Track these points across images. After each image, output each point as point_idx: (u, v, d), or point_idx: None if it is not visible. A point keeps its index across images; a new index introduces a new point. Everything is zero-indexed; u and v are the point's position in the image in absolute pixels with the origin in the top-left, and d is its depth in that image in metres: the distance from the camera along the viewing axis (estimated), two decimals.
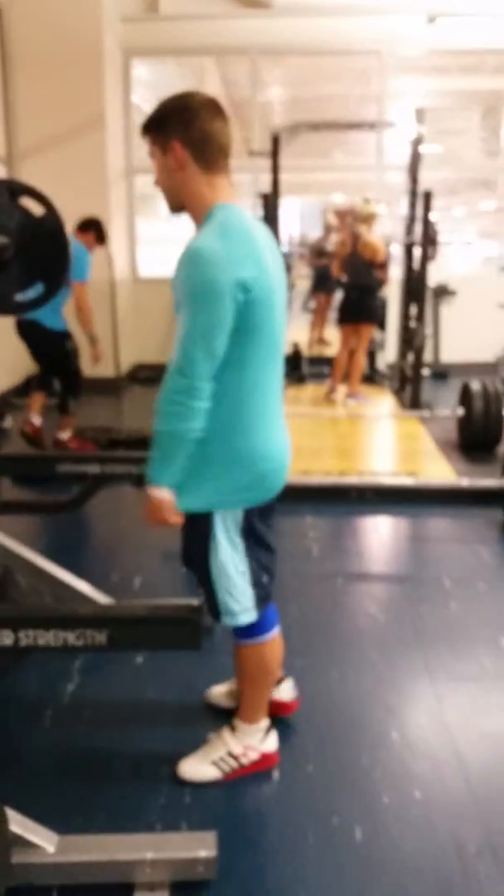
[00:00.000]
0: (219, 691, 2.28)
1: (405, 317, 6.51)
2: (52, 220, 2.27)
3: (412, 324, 6.16)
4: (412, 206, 6.37)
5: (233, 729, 2.01)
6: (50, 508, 2.78)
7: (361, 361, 6.32)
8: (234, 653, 1.99)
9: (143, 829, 1.78)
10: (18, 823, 1.60)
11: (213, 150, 1.68)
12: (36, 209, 2.30)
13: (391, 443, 5.21)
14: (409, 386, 6.13)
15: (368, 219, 6.21)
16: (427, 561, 3.44)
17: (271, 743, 2.02)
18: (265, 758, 2.00)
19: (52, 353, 4.71)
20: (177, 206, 1.74)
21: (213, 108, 1.69)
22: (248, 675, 1.97)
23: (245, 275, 1.58)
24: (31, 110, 6.84)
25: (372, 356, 7.32)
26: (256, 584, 1.84)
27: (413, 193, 6.37)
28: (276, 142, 6.24)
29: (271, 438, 1.77)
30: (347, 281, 6.32)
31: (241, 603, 1.83)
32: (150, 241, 9.72)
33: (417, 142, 6.42)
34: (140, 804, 1.87)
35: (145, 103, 8.20)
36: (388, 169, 7.78)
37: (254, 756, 1.99)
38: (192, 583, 3.12)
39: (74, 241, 4.56)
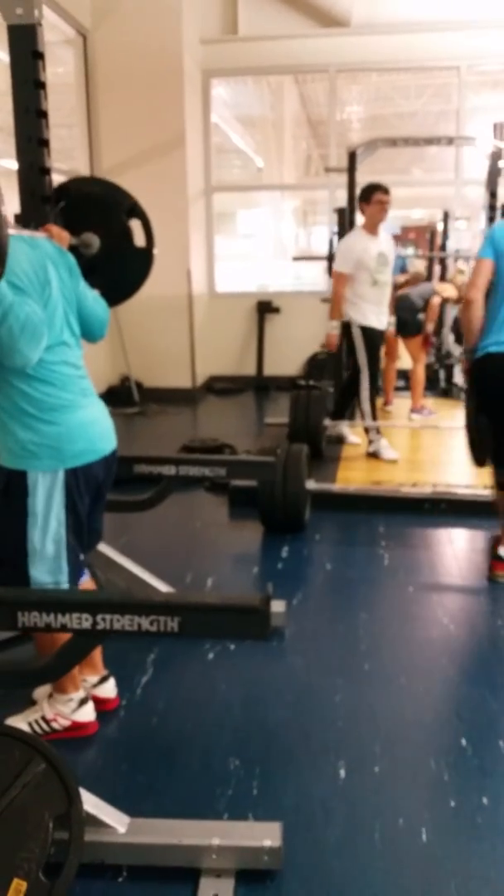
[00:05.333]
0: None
1: None
2: (146, 251, 2.35)
3: None
4: (490, 220, 6.31)
5: (50, 696, 2.15)
6: (125, 507, 2.87)
7: (419, 375, 6.33)
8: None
9: (211, 818, 1.81)
10: (92, 804, 1.66)
11: None
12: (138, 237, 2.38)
13: (467, 456, 5.12)
14: None
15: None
16: None
17: (85, 713, 2.15)
18: (76, 725, 2.14)
19: None
20: None
21: None
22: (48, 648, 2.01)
23: None
24: (114, 131, 7.09)
25: (449, 370, 7.26)
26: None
27: (491, 208, 6.31)
28: (352, 158, 6.27)
29: None
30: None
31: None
32: (226, 258, 9.92)
33: (496, 156, 6.37)
34: (208, 794, 1.91)
35: (224, 122, 8.37)
36: (467, 184, 7.72)
37: (64, 723, 2.13)
38: (265, 584, 3.17)
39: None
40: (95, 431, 1.97)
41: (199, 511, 4.14)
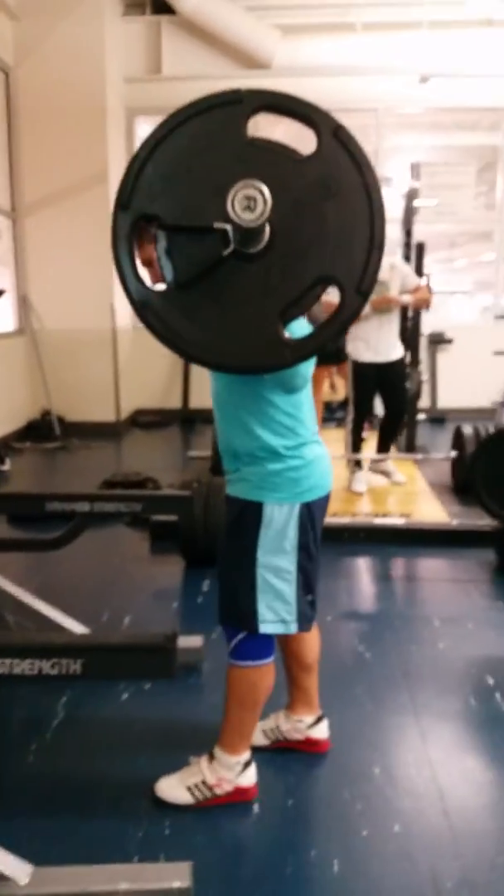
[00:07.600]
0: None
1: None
2: None
3: (407, 370, 6.25)
4: (406, 257, 6.52)
5: (211, 757, 2.00)
6: (36, 546, 2.81)
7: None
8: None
9: (121, 861, 1.78)
10: None
11: None
12: None
13: (385, 485, 5.24)
14: (405, 430, 6.19)
15: None
16: (417, 601, 3.45)
17: (248, 777, 2.00)
18: (239, 791, 1.99)
19: None
20: None
21: None
22: (237, 697, 1.95)
23: None
24: (37, 166, 7.09)
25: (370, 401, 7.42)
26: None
27: (407, 245, 6.52)
28: None
29: None
30: None
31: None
32: None
33: (412, 195, 6.60)
34: (119, 836, 1.87)
35: None
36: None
37: (228, 788, 1.98)
38: (184, 620, 3.15)
39: None
40: (325, 466, 1.92)
41: (119, 546, 4.10)
